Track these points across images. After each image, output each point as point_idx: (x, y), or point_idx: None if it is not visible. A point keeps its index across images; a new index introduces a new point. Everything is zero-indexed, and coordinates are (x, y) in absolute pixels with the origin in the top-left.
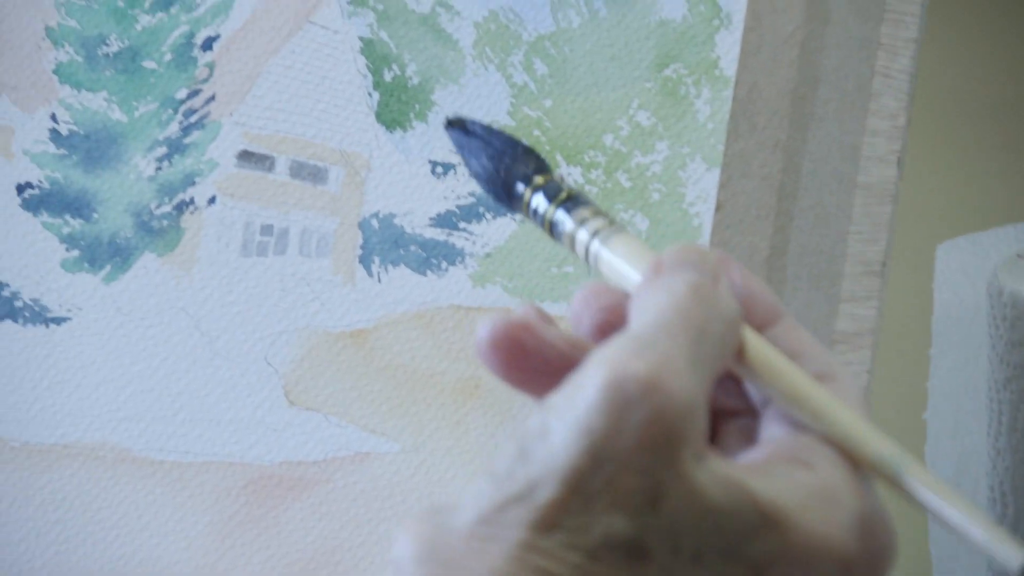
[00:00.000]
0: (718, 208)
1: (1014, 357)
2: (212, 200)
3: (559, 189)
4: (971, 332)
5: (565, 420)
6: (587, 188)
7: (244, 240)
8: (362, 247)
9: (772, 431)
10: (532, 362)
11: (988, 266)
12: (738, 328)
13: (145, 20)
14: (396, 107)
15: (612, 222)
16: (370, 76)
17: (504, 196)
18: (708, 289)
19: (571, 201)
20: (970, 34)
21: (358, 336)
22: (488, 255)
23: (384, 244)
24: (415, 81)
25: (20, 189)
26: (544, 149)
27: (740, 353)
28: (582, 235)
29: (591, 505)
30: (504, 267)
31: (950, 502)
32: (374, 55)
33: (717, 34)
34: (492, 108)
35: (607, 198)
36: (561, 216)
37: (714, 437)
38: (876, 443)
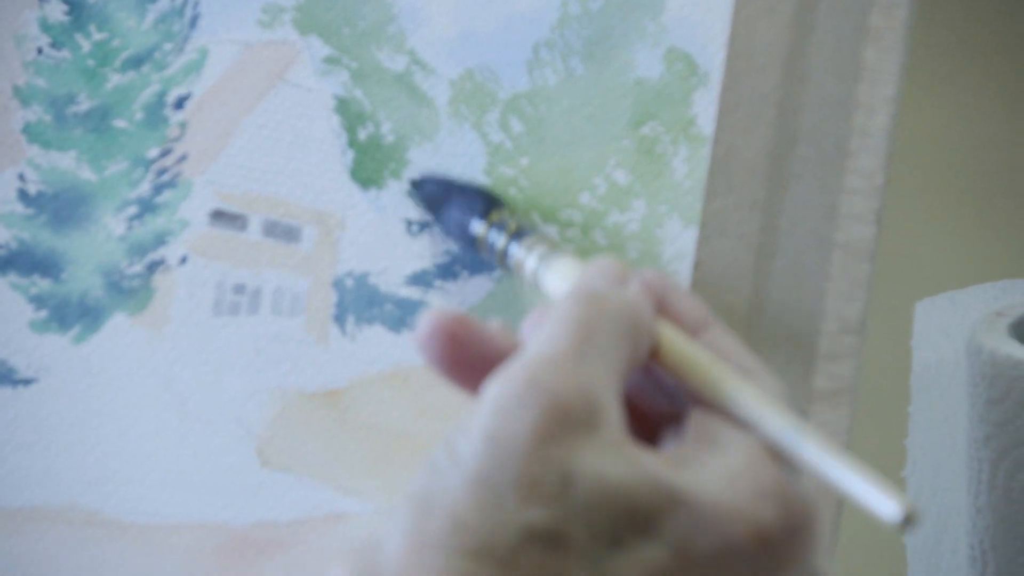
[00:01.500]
0: (696, 266)
1: (993, 415)
2: (184, 260)
3: (508, 223)
4: (950, 390)
5: (468, 433)
6: (564, 247)
7: (216, 299)
8: (336, 306)
9: (690, 420)
10: (467, 355)
11: (967, 324)
12: (639, 322)
13: (115, 79)
14: (371, 165)
15: (554, 246)
16: (344, 134)
17: (461, 237)
18: (595, 291)
19: (519, 232)
20: (948, 93)
21: (332, 396)
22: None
23: (359, 303)
24: (390, 139)
25: None
26: (520, 207)
27: (656, 350)
28: (530, 262)
29: (504, 503)
30: None
31: (839, 464)
32: (348, 113)
33: (694, 92)
34: (468, 166)
35: (585, 256)
36: (512, 247)
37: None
38: (774, 419)
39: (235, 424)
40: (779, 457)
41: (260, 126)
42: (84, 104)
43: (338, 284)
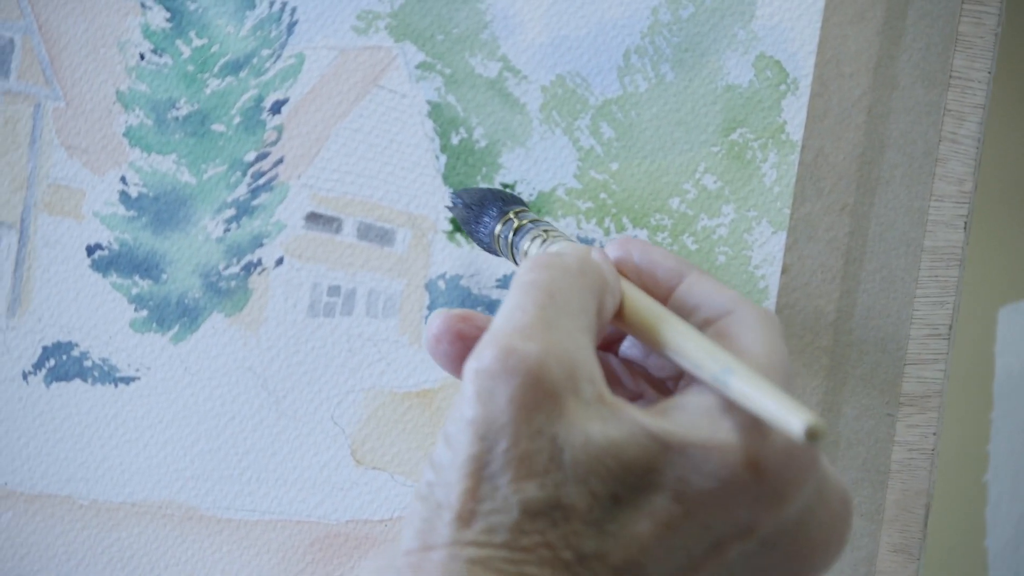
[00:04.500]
0: (784, 271)
1: None
2: (280, 261)
3: (514, 221)
4: None
5: (456, 421)
6: None
7: (311, 301)
8: (428, 308)
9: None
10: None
11: None
12: (599, 276)
13: (214, 84)
14: (463, 170)
15: (554, 234)
16: (437, 139)
17: (478, 228)
18: (551, 258)
19: (528, 226)
20: None
21: (424, 396)
22: None
23: (451, 305)
24: (482, 144)
25: (90, 250)
26: (611, 212)
27: (619, 312)
28: (532, 250)
29: (499, 484)
30: None
31: (759, 393)
32: (441, 118)
33: (784, 99)
34: (559, 171)
35: None
36: (518, 240)
37: None
38: (708, 362)
39: (329, 423)
40: None
41: (355, 131)
42: (184, 109)
43: (431, 286)
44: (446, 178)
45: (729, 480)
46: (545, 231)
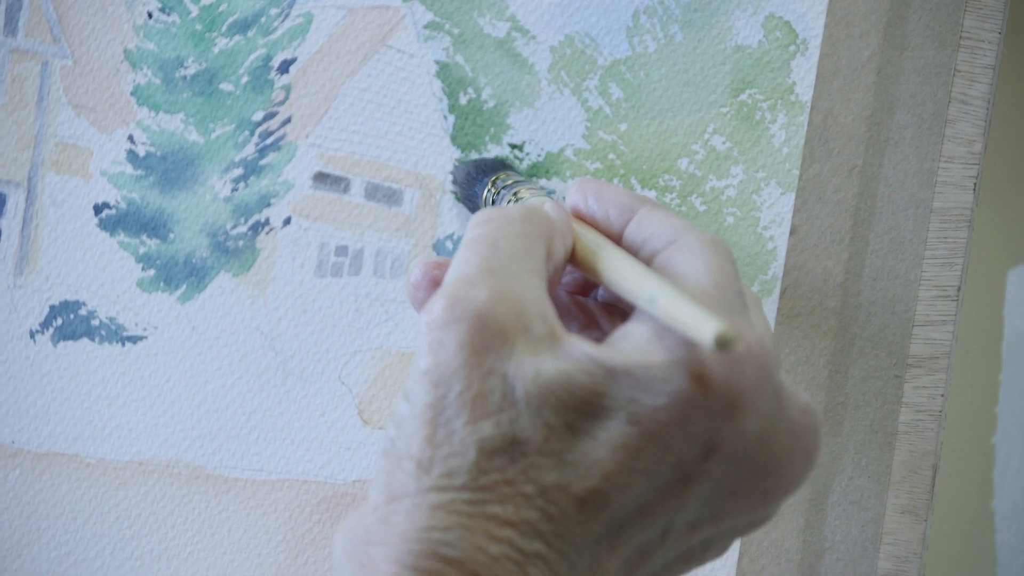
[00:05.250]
0: (792, 232)
1: None
2: (287, 221)
3: (498, 182)
4: None
5: (412, 376)
6: None
7: (319, 261)
8: None
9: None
10: None
11: None
12: (544, 221)
13: (222, 43)
14: (471, 130)
15: (530, 191)
16: (445, 99)
17: (473, 199)
18: (492, 211)
19: (503, 192)
20: None
21: None
22: None
23: None
24: (490, 104)
25: (97, 209)
26: (620, 173)
27: (572, 253)
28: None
29: (455, 428)
30: None
31: (676, 308)
32: (450, 78)
33: (793, 60)
34: (567, 132)
35: None
36: (499, 200)
37: None
38: (639, 289)
39: (337, 383)
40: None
41: (363, 90)
42: (192, 68)
43: (439, 246)
44: (454, 138)
45: (677, 395)
46: (515, 193)
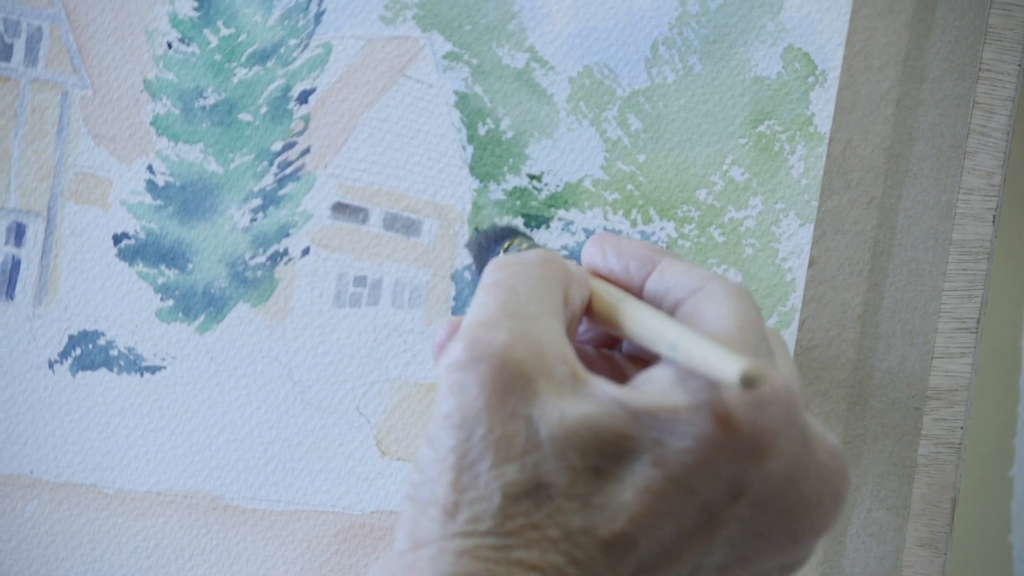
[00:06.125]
0: (811, 264)
1: None
2: (306, 251)
3: (520, 247)
4: None
5: (434, 420)
6: (680, 243)
7: (337, 291)
8: (455, 299)
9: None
10: None
11: None
12: (559, 266)
13: (242, 73)
14: (490, 160)
15: (534, 246)
16: (464, 130)
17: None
18: (509, 258)
19: (513, 247)
20: None
21: None
22: None
23: None
24: (509, 135)
25: (116, 239)
26: (638, 204)
27: (589, 307)
28: None
29: (479, 472)
30: None
31: (699, 351)
32: (468, 109)
33: (812, 91)
34: (585, 163)
35: (700, 253)
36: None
37: None
38: (660, 336)
39: (355, 413)
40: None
41: (381, 121)
42: (211, 98)
43: (457, 277)
44: (472, 169)
45: (702, 437)
46: (525, 248)
